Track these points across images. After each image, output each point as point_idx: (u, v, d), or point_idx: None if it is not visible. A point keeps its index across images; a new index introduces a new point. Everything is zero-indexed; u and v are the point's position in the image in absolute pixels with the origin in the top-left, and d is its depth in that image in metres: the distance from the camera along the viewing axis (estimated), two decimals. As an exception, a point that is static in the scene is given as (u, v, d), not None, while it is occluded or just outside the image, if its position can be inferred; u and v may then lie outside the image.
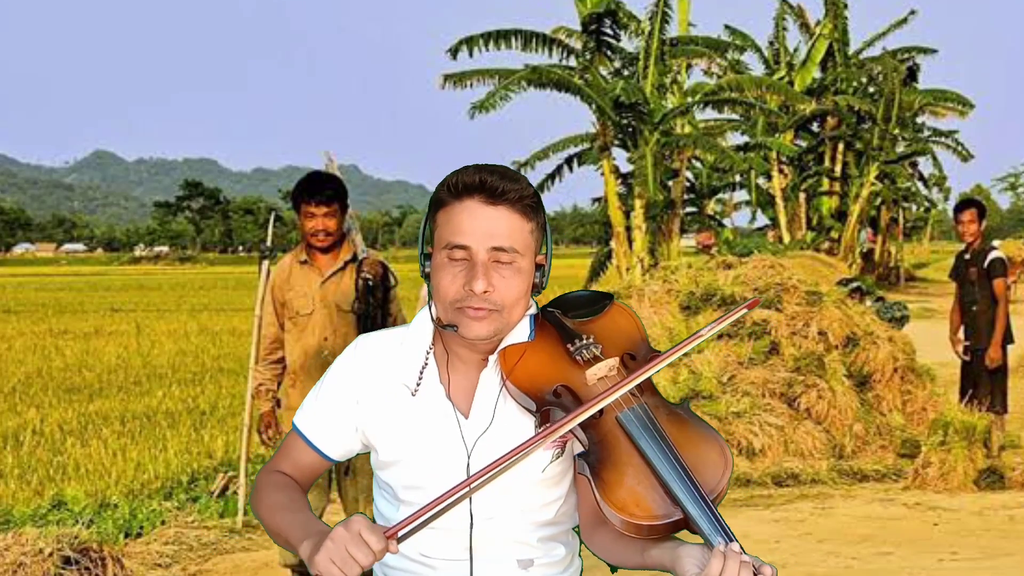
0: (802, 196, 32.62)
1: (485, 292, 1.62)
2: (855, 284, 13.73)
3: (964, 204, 7.70)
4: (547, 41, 21.86)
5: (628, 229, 22.16)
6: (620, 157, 22.74)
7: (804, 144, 32.78)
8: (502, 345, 1.68)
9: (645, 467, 1.53)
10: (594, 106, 21.32)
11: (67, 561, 4.40)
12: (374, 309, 4.44)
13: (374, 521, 1.58)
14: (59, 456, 7.64)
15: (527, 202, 1.66)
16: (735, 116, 28.71)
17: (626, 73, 22.54)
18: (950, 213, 9.68)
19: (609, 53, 22.44)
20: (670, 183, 23.33)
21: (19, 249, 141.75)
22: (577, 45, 22.13)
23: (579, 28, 22.06)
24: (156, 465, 7.22)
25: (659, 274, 9.44)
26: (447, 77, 20.84)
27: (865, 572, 5.08)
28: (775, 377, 7.67)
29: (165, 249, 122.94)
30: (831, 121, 32.94)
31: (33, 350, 15.64)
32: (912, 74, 34.04)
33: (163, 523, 5.83)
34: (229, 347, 15.61)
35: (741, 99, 22.96)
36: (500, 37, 21.13)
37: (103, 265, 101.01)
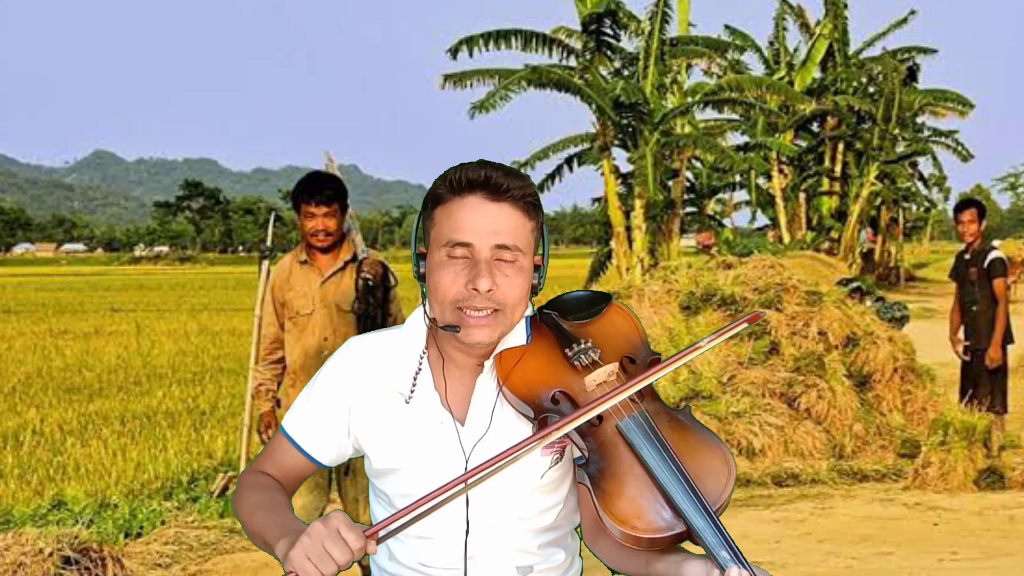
0: (802, 196, 32.63)
1: (489, 291, 1.57)
2: (855, 284, 13.73)
3: (964, 204, 7.70)
4: (547, 41, 21.86)
5: (628, 229, 22.15)
6: (620, 157, 22.77)
7: (804, 144, 32.78)
8: (498, 349, 1.64)
9: (647, 477, 1.50)
10: (594, 106, 21.31)
11: (67, 561, 4.40)
12: (374, 309, 4.44)
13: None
14: (59, 456, 7.64)
15: (529, 200, 1.62)
16: (735, 116, 28.71)
17: (626, 73, 22.54)
18: (950, 213, 9.68)
19: (609, 53, 22.43)
20: (670, 183, 23.32)
21: (19, 249, 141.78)
22: (577, 45, 22.13)
23: (579, 28, 22.06)
24: (156, 465, 7.22)
25: (659, 274, 9.44)
26: (447, 77, 20.84)
27: (865, 572, 5.08)
28: (775, 377, 7.67)
29: (165, 249, 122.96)
30: (831, 121, 32.94)
31: (33, 350, 15.64)
32: (912, 74, 34.04)
33: (163, 523, 5.83)
34: (229, 347, 15.61)
35: (741, 99, 22.96)
36: (500, 37, 21.12)
37: (103, 265, 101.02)
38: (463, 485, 1.47)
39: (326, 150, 5.28)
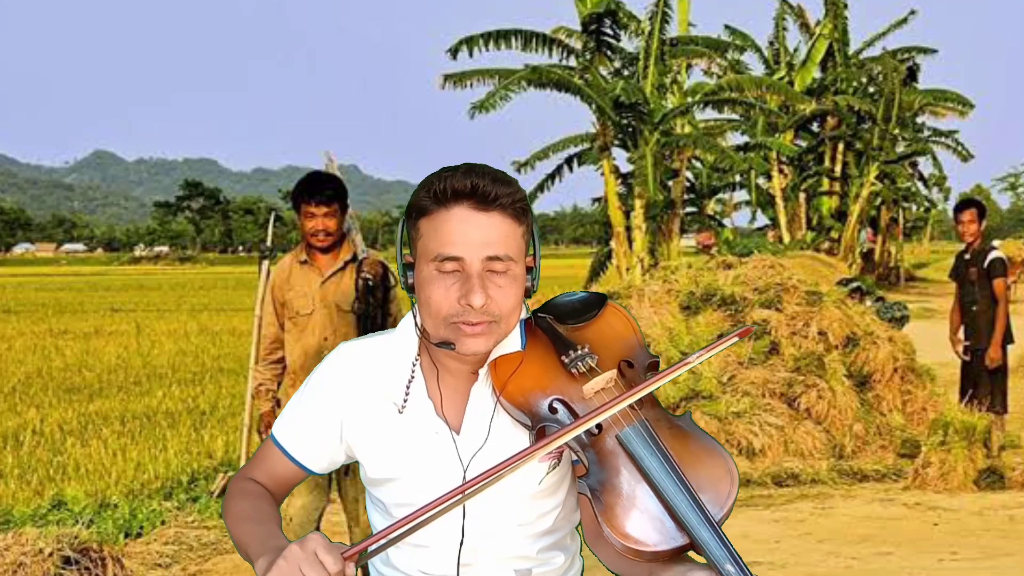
0: (802, 196, 32.63)
1: (483, 305, 1.52)
2: (855, 284, 13.74)
3: (964, 204, 7.70)
4: (547, 41, 21.86)
5: (628, 229, 22.15)
6: (620, 157, 22.77)
7: (804, 144, 32.79)
8: (492, 355, 1.60)
9: (648, 489, 1.47)
10: (594, 106, 21.32)
11: (67, 561, 4.40)
12: (374, 309, 4.44)
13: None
14: (59, 456, 7.64)
15: (518, 205, 1.56)
16: (735, 116, 28.72)
17: (626, 73, 22.54)
18: (950, 213, 9.68)
19: (609, 53, 22.43)
20: (670, 183, 23.33)
21: (19, 249, 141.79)
22: (577, 45, 22.13)
23: (579, 28, 22.06)
24: (156, 465, 7.22)
25: (659, 274, 9.44)
26: (447, 77, 20.84)
27: (865, 572, 5.08)
28: (775, 377, 7.67)
29: (165, 249, 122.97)
30: (831, 121, 32.95)
31: (33, 350, 15.64)
32: (912, 74, 34.05)
33: (163, 523, 5.83)
34: (229, 347, 15.60)
35: (741, 99, 22.96)
36: (500, 37, 21.12)
37: (103, 265, 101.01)
38: (460, 497, 1.44)
39: (326, 150, 5.28)
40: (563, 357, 1.59)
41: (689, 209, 25.67)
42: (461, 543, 1.63)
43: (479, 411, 1.62)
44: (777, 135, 29.98)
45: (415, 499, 1.57)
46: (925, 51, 34.54)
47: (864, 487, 6.85)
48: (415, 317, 1.64)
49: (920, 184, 43.13)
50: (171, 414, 9.59)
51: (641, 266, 21.04)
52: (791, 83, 30.75)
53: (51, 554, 4.38)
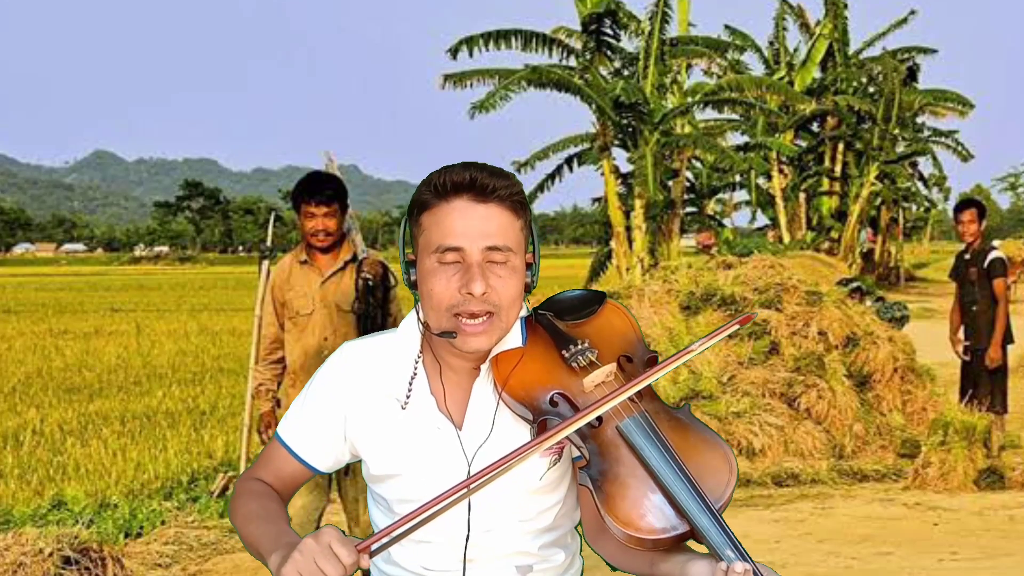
0: (802, 196, 32.64)
1: (483, 294, 1.55)
2: (855, 284, 13.73)
3: (964, 204, 7.70)
4: (547, 41, 21.86)
5: (628, 229, 22.16)
6: (620, 157, 22.78)
7: (804, 144, 32.80)
8: (494, 352, 1.63)
9: (649, 478, 1.49)
10: (594, 106, 21.32)
11: (67, 561, 4.40)
12: (374, 309, 4.44)
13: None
14: (59, 456, 7.64)
15: (516, 198, 1.60)
16: (735, 116, 28.73)
17: (626, 73, 22.54)
18: (950, 213, 9.68)
19: (609, 53, 22.44)
20: (670, 183, 23.33)
21: (19, 249, 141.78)
22: (577, 45, 22.14)
23: (579, 28, 22.06)
24: (156, 465, 7.22)
25: (659, 274, 9.44)
26: (447, 77, 20.84)
27: (865, 572, 5.08)
28: (775, 377, 7.67)
29: (165, 249, 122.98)
30: (831, 121, 32.95)
31: (33, 350, 15.63)
32: (912, 74, 34.05)
33: (163, 523, 5.83)
34: (229, 347, 15.60)
35: (741, 99, 22.97)
36: (500, 37, 21.12)
37: (103, 265, 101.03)
38: (465, 491, 1.46)
39: (326, 150, 5.28)
40: (563, 351, 1.62)
41: (689, 209, 25.67)
42: (467, 538, 1.64)
43: (481, 406, 1.64)
44: (777, 135, 29.98)
45: (418, 495, 1.58)
46: (925, 51, 34.54)
47: (864, 487, 6.85)
48: (418, 313, 1.67)
49: (920, 184, 43.16)
50: (171, 414, 9.59)
51: (641, 266, 21.04)
52: (791, 83, 30.75)
53: (51, 554, 4.38)
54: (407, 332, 1.69)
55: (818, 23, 33.20)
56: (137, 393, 11.03)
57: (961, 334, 7.60)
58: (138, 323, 20.60)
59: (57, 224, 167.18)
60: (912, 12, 33.79)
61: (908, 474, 6.82)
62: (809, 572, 5.05)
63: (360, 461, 1.75)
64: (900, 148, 34.26)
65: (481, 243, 1.56)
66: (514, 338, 1.64)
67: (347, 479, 4.44)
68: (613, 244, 22.64)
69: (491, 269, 1.57)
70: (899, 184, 35.73)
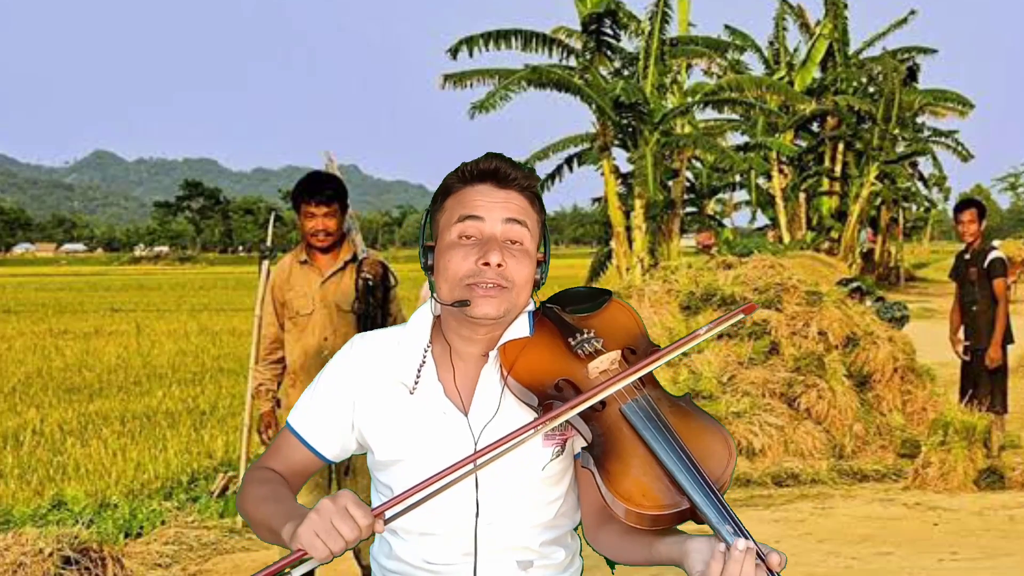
0: (802, 196, 32.64)
1: (499, 266, 1.62)
2: (855, 284, 13.72)
3: (964, 204, 7.70)
4: (547, 41, 21.86)
5: (628, 229, 22.16)
6: (620, 157, 22.78)
7: (804, 144, 32.79)
8: (502, 340, 1.67)
9: (650, 457, 1.52)
10: (594, 106, 21.31)
11: (67, 561, 4.40)
12: (374, 309, 4.44)
13: None
14: (59, 456, 7.64)
15: (534, 191, 1.71)
16: (735, 116, 28.72)
17: (626, 73, 22.54)
18: (950, 213, 9.68)
19: (609, 53, 22.44)
20: (670, 183, 23.33)
21: (19, 249, 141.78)
22: (577, 45, 22.13)
23: (579, 28, 22.06)
24: (156, 465, 7.23)
25: (659, 274, 9.44)
26: (447, 77, 20.84)
27: (865, 572, 5.08)
28: (775, 377, 7.67)
29: (165, 249, 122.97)
30: (831, 121, 32.95)
31: (33, 350, 15.64)
32: (912, 74, 34.05)
33: (163, 523, 5.83)
34: (229, 347, 15.61)
35: (741, 99, 22.96)
36: (500, 37, 21.12)
37: (103, 265, 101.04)
38: (472, 465, 1.49)
39: (326, 150, 5.28)
40: (569, 339, 1.67)
41: (689, 209, 25.68)
42: (476, 525, 1.65)
43: (488, 392, 1.68)
44: (777, 135, 29.98)
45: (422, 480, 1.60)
46: (925, 51, 34.54)
47: (864, 487, 6.85)
48: (432, 295, 1.72)
49: (920, 184, 43.17)
50: (171, 414, 9.59)
51: (641, 266, 21.04)
52: (791, 83, 30.75)
53: (51, 554, 4.38)
54: (417, 323, 1.74)
55: (818, 23, 33.19)
56: (137, 393, 11.03)
57: (961, 334, 7.60)
58: (138, 323, 20.60)
59: (57, 224, 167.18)
60: (912, 12, 33.79)
61: (908, 474, 6.82)
62: (809, 572, 5.05)
63: (361, 460, 1.76)
64: (900, 148, 34.26)
65: (501, 214, 1.65)
66: (522, 329, 1.69)
67: (347, 479, 4.44)
68: (613, 244, 22.64)
69: (507, 248, 1.65)
70: (899, 184, 35.73)
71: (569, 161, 22.71)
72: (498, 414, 1.66)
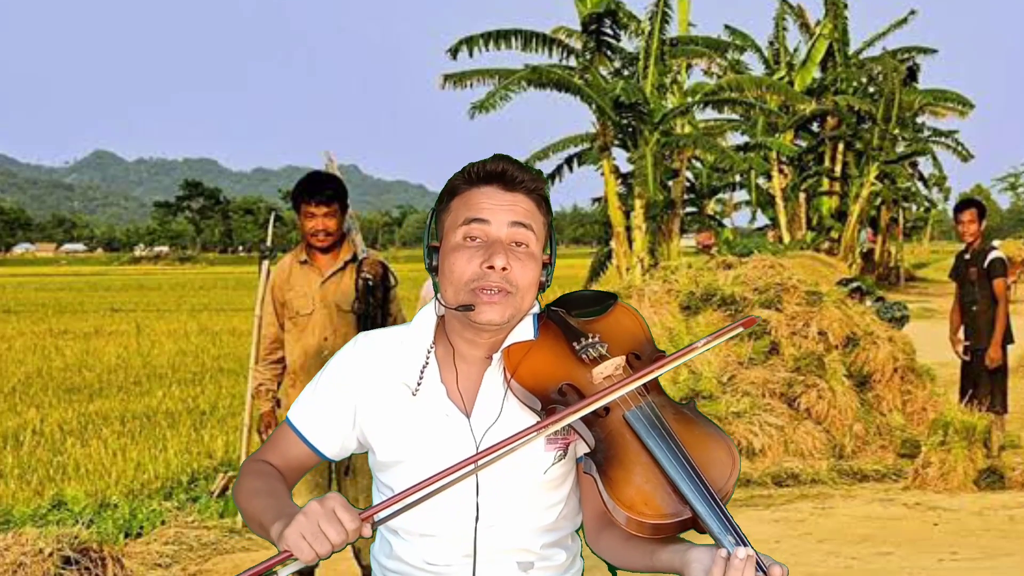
0: (802, 196, 32.63)
1: (504, 269, 1.61)
2: (855, 284, 13.72)
3: (964, 204, 7.70)
4: (547, 41, 21.86)
5: (628, 229, 22.15)
6: (620, 157, 22.77)
7: (804, 144, 32.79)
8: (506, 343, 1.67)
9: (653, 465, 1.51)
10: (594, 106, 21.31)
11: (67, 561, 4.40)
12: (374, 309, 4.44)
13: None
14: (59, 456, 7.64)
15: (541, 193, 1.69)
16: (735, 116, 28.71)
17: (626, 73, 22.54)
18: (950, 213, 9.68)
19: (609, 53, 22.43)
20: (670, 183, 23.33)
21: (19, 249, 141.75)
22: (577, 45, 22.13)
23: (579, 28, 22.06)
24: (156, 465, 7.22)
25: (659, 274, 9.44)
26: (447, 77, 20.84)
27: (865, 572, 5.08)
28: (775, 377, 7.67)
29: (165, 249, 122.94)
30: (831, 121, 32.94)
31: (33, 350, 15.63)
32: (912, 74, 34.04)
33: (163, 523, 5.82)
34: (229, 347, 15.61)
35: (741, 99, 22.97)
36: (500, 37, 21.12)
37: (103, 265, 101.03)
38: (472, 467, 1.49)
39: (326, 150, 5.28)
40: (574, 344, 1.66)
41: (689, 209, 25.68)
42: (476, 529, 1.65)
43: (491, 395, 1.67)
44: (777, 135, 29.98)
45: None
46: (925, 51, 34.54)
47: (864, 487, 6.85)
48: (436, 295, 1.71)
49: (920, 184, 43.16)
50: (171, 414, 9.59)
51: (641, 266, 21.04)
52: (791, 83, 30.74)
53: (51, 554, 4.38)
54: (421, 323, 1.73)
55: (818, 23, 33.18)
56: (137, 393, 11.03)
57: (961, 334, 7.60)
58: (138, 323, 20.60)
59: (57, 224, 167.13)
60: (912, 12, 33.78)
61: (908, 474, 6.82)
62: (809, 572, 5.05)
63: (361, 460, 1.75)
64: (900, 148, 34.26)
65: (507, 218, 1.64)
66: (526, 332, 1.68)
67: (347, 479, 4.44)
68: (613, 244, 22.64)
69: (512, 251, 1.63)
70: (899, 184, 35.73)
71: (569, 161, 22.71)
72: (500, 418, 1.65)
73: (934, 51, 34.49)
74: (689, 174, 25.46)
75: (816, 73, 33.10)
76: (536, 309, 1.72)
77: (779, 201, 32.05)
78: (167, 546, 5.42)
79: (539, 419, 1.60)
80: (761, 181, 31.88)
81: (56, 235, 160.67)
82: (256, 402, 4.84)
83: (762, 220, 35.31)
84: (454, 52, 20.81)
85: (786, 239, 30.37)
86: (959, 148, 36.86)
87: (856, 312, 8.59)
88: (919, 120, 35.90)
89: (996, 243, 12.48)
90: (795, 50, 33.62)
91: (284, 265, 4.57)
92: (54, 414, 9.60)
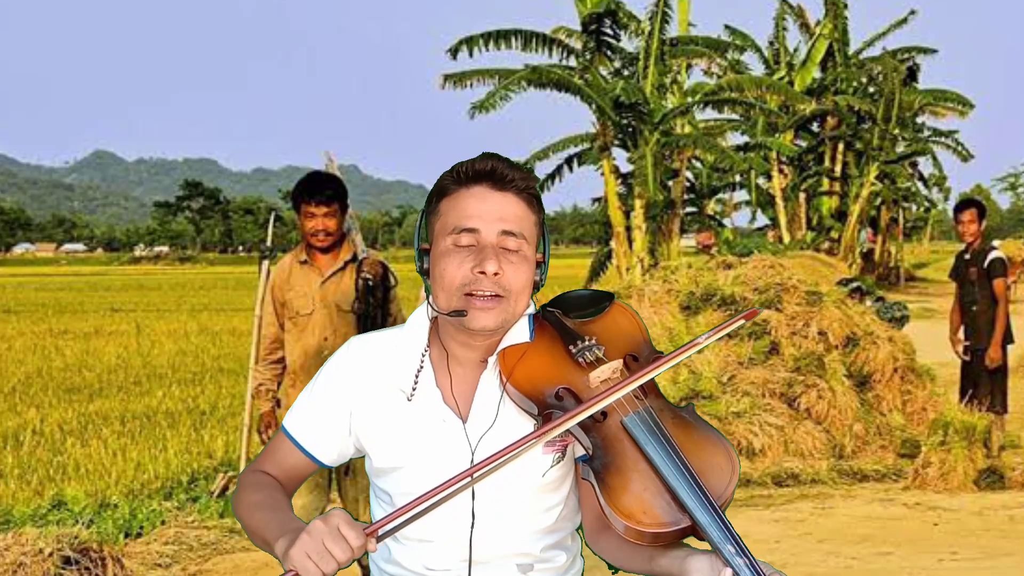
0: (802, 196, 32.63)
1: (496, 274, 1.58)
2: (855, 284, 13.73)
3: (964, 204, 7.70)
4: (547, 41, 21.86)
5: (628, 229, 22.15)
6: (620, 157, 22.77)
7: (804, 144, 32.79)
8: (501, 346, 1.64)
9: (651, 472, 1.49)
10: (594, 106, 21.31)
11: (67, 561, 4.40)
12: (374, 309, 4.44)
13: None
14: (59, 456, 7.64)
15: (532, 192, 1.66)
16: (735, 116, 28.71)
17: (626, 73, 22.54)
18: (950, 213, 9.68)
19: (609, 53, 22.43)
20: (670, 183, 23.32)
21: (19, 249, 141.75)
22: (577, 45, 22.13)
23: (579, 28, 22.06)
24: (156, 465, 7.22)
25: (659, 274, 9.44)
26: (447, 77, 20.83)
27: (865, 572, 5.08)
28: (775, 377, 7.67)
29: (165, 249, 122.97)
30: (831, 121, 32.95)
31: (33, 350, 15.63)
32: (912, 74, 34.04)
33: (163, 523, 5.82)
34: (229, 347, 15.60)
35: (741, 99, 22.96)
36: (500, 37, 21.12)
37: (103, 265, 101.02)
38: (469, 479, 1.47)
39: (326, 150, 5.29)
40: (570, 347, 1.63)
41: (689, 209, 25.67)
42: (471, 535, 1.64)
43: (487, 399, 1.64)
44: (777, 135, 29.97)
45: (421, 488, 1.57)
46: (925, 51, 34.54)
47: (864, 487, 6.85)
48: (427, 298, 1.68)
49: (920, 184, 43.17)
50: (171, 414, 9.59)
51: (641, 266, 21.03)
52: (791, 83, 30.74)
53: (51, 554, 4.38)
54: (415, 326, 1.71)
55: (818, 23, 33.19)
56: (137, 393, 11.03)
57: (961, 334, 7.60)
58: (138, 323, 20.60)
59: (57, 224, 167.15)
60: (912, 12, 33.79)
61: (908, 474, 6.82)
62: (809, 572, 5.05)
63: (361, 460, 1.74)
64: (900, 148, 34.26)
65: (497, 226, 1.60)
66: (522, 334, 1.66)
67: (347, 479, 4.44)
68: (613, 244, 22.63)
69: (504, 255, 1.60)
70: (899, 184, 35.73)
71: (569, 161, 22.70)
72: (496, 422, 1.63)
73: (934, 51, 34.50)
74: (689, 174, 25.46)
75: (816, 73, 33.10)
76: (532, 310, 1.69)
77: (779, 201, 32.05)
78: (167, 546, 5.42)
79: (536, 423, 1.58)
80: (761, 181, 31.88)
81: (56, 235, 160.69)
82: (256, 402, 4.84)
83: (762, 220, 35.34)
84: (454, 52, 20.81)
85: (786, 239, 30.37)
86: (959, 148, 36.87)
87: (856, 312, 8.59)
88: (919, 120, 35.91)
89: (996, 243, 12.47)
90: (795, 50, 33.63)
91: (284, 265, 4.57)
92: (54, 414, 9.60)
